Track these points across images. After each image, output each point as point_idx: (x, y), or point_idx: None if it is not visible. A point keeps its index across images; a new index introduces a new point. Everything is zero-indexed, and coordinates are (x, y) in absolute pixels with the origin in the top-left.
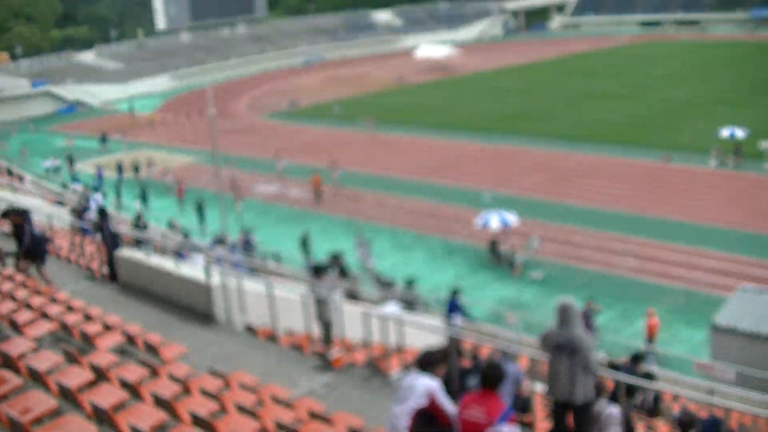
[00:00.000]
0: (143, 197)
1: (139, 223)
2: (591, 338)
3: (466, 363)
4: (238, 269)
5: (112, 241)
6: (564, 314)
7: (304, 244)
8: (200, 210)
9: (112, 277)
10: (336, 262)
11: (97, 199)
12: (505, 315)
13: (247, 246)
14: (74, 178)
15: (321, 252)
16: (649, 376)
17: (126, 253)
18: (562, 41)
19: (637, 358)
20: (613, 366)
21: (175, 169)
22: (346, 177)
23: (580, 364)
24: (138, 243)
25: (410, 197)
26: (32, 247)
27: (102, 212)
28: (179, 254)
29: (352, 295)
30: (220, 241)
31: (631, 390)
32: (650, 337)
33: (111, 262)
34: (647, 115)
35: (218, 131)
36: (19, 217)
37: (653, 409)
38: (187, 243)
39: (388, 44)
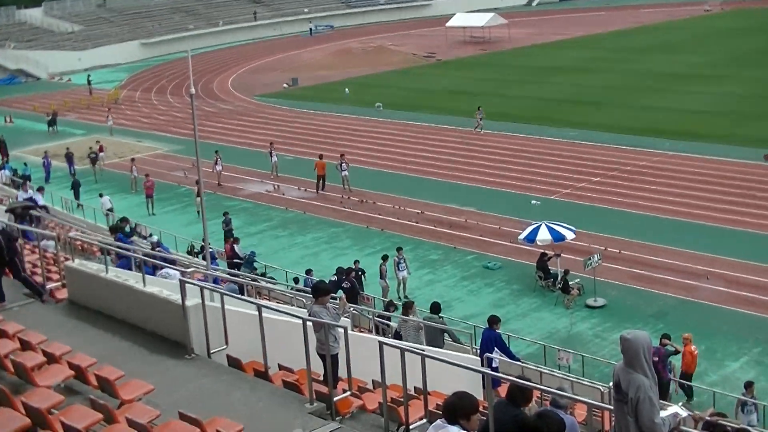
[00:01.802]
0: (75, 192)
1: (120, 225)
2: (650, 384)
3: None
4: (222, 287)
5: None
6: (625, 351)
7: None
8: (227, 226)
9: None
10: (344, 280)
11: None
12: (557, 353)
13: (238, 258)
14: (2, 166)
15: (327, 268)
16: None
17: (78, 264)
18: (632, 9)
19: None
20: (710, 425)
21: (140, 160)
22: (357, 175)
23: (632, 413)
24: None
25: (437, 203)
26: None
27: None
28: (148, 267)
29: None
30: (196, 251)
31: None
32: (687, 370)
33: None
34: (740, 103)
35: (199, 114)
36: None
37: None
38: (158, 254)
39: (416, 11)
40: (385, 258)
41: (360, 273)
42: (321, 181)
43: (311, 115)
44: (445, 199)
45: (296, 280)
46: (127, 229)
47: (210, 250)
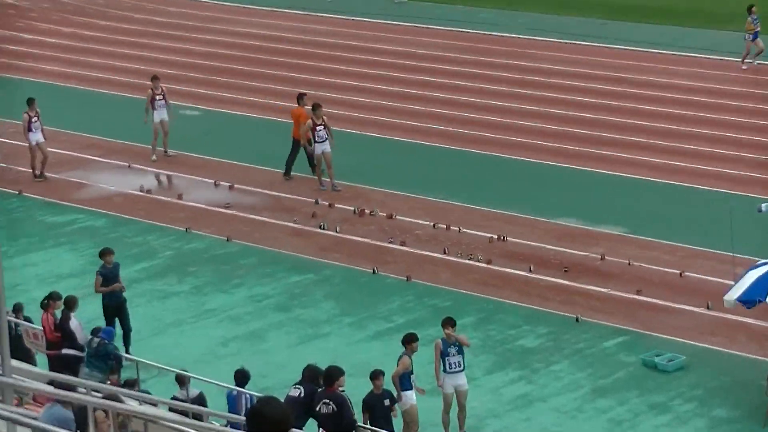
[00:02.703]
0: None
1: None
2: None
3: None
4: (39, 414)
5: None
6: None
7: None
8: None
9: None
10: (323, 397)
11: None
12: None
13: (73, 345)
14: None
15: (281, 370)
16: None
17: None
18: None
19: None
20: None
21: None
22: (350, 151)
23: None
24: None
25: (536, 216)
26: None
27: None
28: None
29: None
30: None
31: None
32: None
33: None
34: None
35: None
36: None
37: None
38: None
39: None
40: (410, 342)
41: (389, 401)
42: (305, 156)
43: (248, 13)
44: (553, 210)
45: (182, 381)
46: None
47: (15, 326)
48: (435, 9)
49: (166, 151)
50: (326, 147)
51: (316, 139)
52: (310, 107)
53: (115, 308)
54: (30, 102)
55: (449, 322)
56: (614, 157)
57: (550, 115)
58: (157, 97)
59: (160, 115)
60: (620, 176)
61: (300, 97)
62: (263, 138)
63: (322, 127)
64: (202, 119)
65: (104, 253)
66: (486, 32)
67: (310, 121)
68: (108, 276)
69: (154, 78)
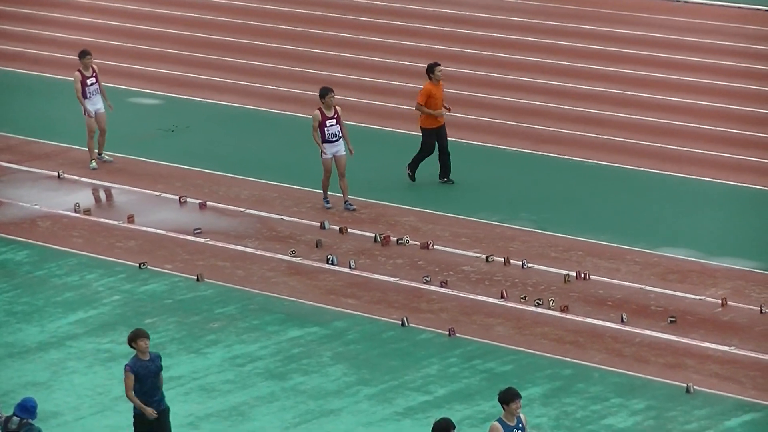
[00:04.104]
0: None
1: None
2: None
3: None
4: None
5: None
6: None
7: None
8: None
9: None
10: None
11: None
12: None
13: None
14: None
15: None
16: None
17: None
18: None
19: None
20: None
21: None
22: (363, 154)
23: None
24: None
25: (617, 245)
26: None
27: None
28: None
29: None
30: None
31: None
32: None
33: None
34: None
35: None
36: None
37: None
38: None
39: None
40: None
41: None
42: (439, 154)
43: None
44: (656, 236)
45: None
46: None
47: None
48: None
49: (100, 154)
50: (339, 149)
51: (327, 137)
52: (319, 93)
53: (155, 420)
54: (84, 55)
55: (511, 396)
56: (751, 164)
57: (655, 102)
58: (89, 81)
59: (95, 105)
60: (758, 189)
61: (431, 69)
62: (249, 136)
63: (335, 121)
64: (163, 110)
65: (136, 338)
66: None
67: (317, 112)
68: (143, 375)
69: (84, 53)
